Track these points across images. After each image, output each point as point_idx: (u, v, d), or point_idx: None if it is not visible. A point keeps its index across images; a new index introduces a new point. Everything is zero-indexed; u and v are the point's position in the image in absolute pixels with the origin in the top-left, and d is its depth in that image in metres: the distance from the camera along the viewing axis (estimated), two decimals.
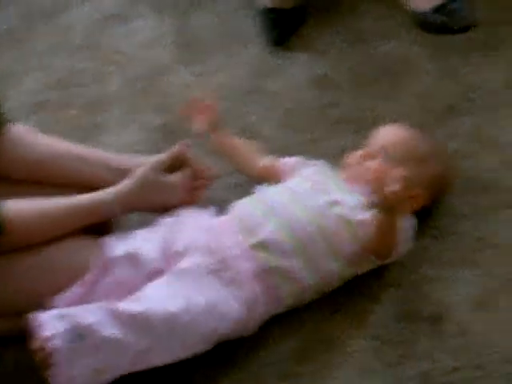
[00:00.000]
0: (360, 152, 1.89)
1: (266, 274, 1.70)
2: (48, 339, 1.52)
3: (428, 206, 1.89)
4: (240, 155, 1.99)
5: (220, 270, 1.68)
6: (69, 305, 1.66)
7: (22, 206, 1.70)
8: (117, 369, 1.59)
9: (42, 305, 1.66)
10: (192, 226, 1.77)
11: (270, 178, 1.94)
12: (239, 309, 1.66)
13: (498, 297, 1.76)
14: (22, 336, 1.65)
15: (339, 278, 1.76)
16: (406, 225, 1.79)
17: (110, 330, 1.56)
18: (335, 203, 1.76)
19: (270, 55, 2.36)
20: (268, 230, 1.71)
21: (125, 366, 1.60)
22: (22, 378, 1.69)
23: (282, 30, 2.40)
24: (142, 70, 2.35)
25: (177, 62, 2.37)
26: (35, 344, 1.53)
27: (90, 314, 1.58)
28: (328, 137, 2.12)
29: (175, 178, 1.82)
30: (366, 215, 1.74)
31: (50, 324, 1.55)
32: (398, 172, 1.75)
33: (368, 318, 1.75)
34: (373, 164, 1.85)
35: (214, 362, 1.67)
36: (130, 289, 1.68)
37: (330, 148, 2.06)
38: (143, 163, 1.82)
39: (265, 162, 1.96)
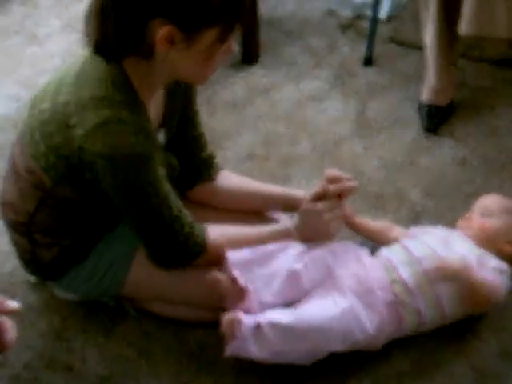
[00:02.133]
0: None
1: (397, 305, 1.62)
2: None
3: None
4: (377, 233, 1.82)
5: (364, 294, 1.61)
6: None
7: (222, 231, 1.66)
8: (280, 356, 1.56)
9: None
10: (353, 261, 1.69)
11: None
12: (371, 327, 1.58)
13: None
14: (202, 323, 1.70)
15: (453, 318, 1.67)
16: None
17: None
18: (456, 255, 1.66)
19: (424, 138, 2.25)
20: (407, 272, 1.64)
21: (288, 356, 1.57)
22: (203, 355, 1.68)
23: (436, 120, 2.28)
24: (326, 139, 2.27)
25: (353, 136, 2.27)
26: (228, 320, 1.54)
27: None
28: (461, 206, 1.95)
29: (323, 205, 1.67)
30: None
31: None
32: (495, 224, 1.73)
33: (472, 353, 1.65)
34: (474, 223, 1.75)
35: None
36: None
37: (461, 214, 1.87)
38: (305, 197, 1.72)
39: (397, 231, 1.81)
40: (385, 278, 1.65)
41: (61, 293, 1.75)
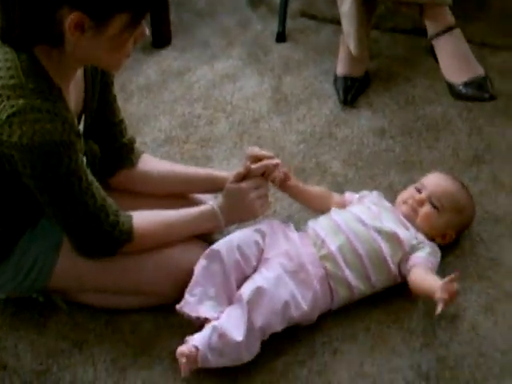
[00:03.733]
0: (412, 193, 1.88)
1: (328, 278, 1.73)
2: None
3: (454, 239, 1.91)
4: (314, 199, 1.96)
5: (296, 271, 1.71)
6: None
7: (147, 217, 1.72)
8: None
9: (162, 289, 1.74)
10: (282, 239, 1.79)
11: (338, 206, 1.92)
12: (305, 304, 1.68)
13: (500, 305, 1.77)
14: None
15: (381, 288, 1.79)
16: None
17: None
18: (385, 230, 1.78)
19: (341, 110, 2.36)
20: (334, 246, 1.75)
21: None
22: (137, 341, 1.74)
23: (353, 93, 2.40)
24: (244, 117, 2.36)
25: (270, 113, 2.37)
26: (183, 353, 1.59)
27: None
28: (382, 174, 2.13)
29: (247, 184, 1.79)
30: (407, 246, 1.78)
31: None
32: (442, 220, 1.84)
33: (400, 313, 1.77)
34: (423, 210, 1.85)
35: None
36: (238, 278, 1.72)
37: (383, 183, 2.09)
38: (228, 177, 1.82)
39: (336, 199, 1.95)
40: (314, 252, 1.75)
41: None
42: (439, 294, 1.62)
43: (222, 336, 1.60)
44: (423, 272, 1.74)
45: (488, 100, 2.36)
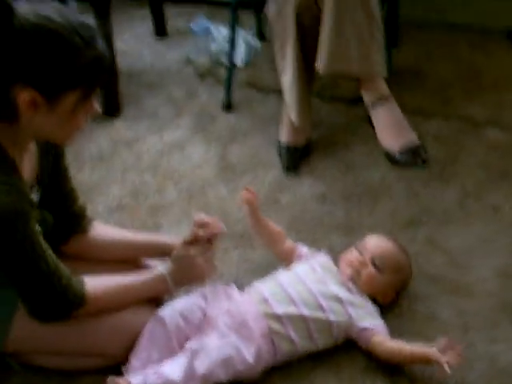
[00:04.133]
0: (354, 255, 2.00)
1: (271, 335, 1.82)
2: None
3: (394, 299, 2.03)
4: (271, 236, 2.11)
5: (239, 328, 1.81)
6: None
7: (100, 282, 1.81)
8: None
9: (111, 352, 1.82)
10: (224, 300, 1.89)
11: (288, 257, 2.07)
12: (250, 357, 1.77)
13: None
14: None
15: (324, 346, 1.89)
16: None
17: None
18: (329, 294, 1.89)
19: (285, 178, 2.51)
20: (279, 308, 1.85)
21: None
22: None
23: (294, 160, 2.54)
24: (191, 185, 2.49)
25: (217, 180, 2.50)
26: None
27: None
28: (323, 238, 2.24)
29: (194, 249, 1.90)
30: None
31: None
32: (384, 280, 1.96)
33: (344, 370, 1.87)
34: (366, 271, 1.96)
35: None
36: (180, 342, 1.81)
37: (324, 246, 2.15)
38: (177, 243, 1.94)
39: (288, 244, 2.10)
40: (257, 310, 1.85)
41: None
42: (443, 358, 1.73)
43: (160, 376, 1.69)
44: (394, 342, 1.85)
45: (421, 165, 2.51)
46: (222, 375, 1.76)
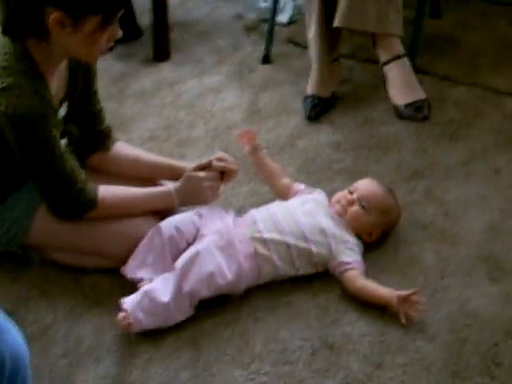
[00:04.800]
0: (344, 194, 2.15)
1: (256, 257, 2.01)
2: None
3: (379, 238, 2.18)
4: (270, 173, 2.30)
5: (224, 246, 2.00)
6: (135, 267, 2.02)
7: (112, 190, 2.05)
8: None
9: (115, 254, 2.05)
10: (217, 220, 2.09)
11: (284, 193, 2.25)
12: (230, 274, 1.96)
13: None
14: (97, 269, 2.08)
15: (304, 272, 2.06)
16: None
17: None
18: (314, 225, 2.06)
19: (305, 125, 2.70)
20: (266, 232, 2.03)
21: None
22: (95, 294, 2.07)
23: (317, 110, 2.72)
24: (219, 125, 2.71)
25: (243, 122, 2.71)
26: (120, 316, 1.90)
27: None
28: (328, 180, 2.41)
29: (204, 174, 2.11)
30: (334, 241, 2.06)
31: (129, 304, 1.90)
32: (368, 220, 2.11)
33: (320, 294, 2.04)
34: (352, 209, 2.12)
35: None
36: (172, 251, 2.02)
37: (328, 187, 2.33)
38: (189, 167, 2.16)
39: (284, 181, 2.28)
40: (246, 233, 2.04)
41: None
42: (397, 306, 1.92)
43: (151, 298, 1.90)
44: (365, 280, 2.01)
45: (421, 120, 2.67)
46: (206, 291, 1.94)
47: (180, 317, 1.94)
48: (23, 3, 1.78)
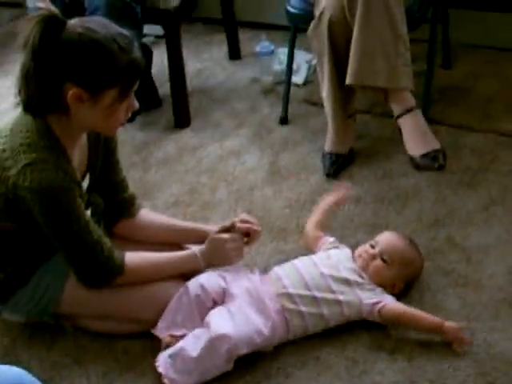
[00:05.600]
0: (366, 248, 2.18)
1: (284, 312, 2.04)
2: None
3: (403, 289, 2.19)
4: (319, 223, 2.36)
5: (256, 304, 2.03)
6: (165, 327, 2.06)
7: (139, 256, 2.09)
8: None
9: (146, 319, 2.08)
10: (244, 279, 2.12)
11: (313, 243, 2.31)
12: (266, 329, 1.99)
13: (435, 342, 2.04)
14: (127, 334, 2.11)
15: (335, 323, 2.09)
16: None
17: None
18: (340, 277, 2.10)
19: (325, 182, 2.74)
20: (291, 287, 2.07)
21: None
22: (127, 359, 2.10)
23: (336, 167, 2.76)
24: (242, 186, 2.75)
25: (265, 183, 2.76)
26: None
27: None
28: (352, 235, 2.44)
29: (228, 235, 2.15)
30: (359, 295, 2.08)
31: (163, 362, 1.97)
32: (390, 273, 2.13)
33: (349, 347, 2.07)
34: (374, 263, 2.15)
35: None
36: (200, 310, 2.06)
37: (352, 241, 2.36)
38: (214, 229, 2.20)
39: (318, 233, 2.33)
40: (272, 291, 2.08)
41: (9, 315, 2.19)
42: (459, 334, 2.01)
43: (182, 356, 1.95)
44: (411, 308, 2.07)
45: (438, 169, 2.71)
46: (244, 349, 1.97)
47: (216, 372, 1.97)
48: (43, 81, 1.86)
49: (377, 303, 2.07)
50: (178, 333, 2.02)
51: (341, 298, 2.08)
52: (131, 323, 2.12)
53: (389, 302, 2.08)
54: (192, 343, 1.97)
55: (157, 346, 2.09)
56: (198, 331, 2.00)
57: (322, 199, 2.45)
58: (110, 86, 1.87)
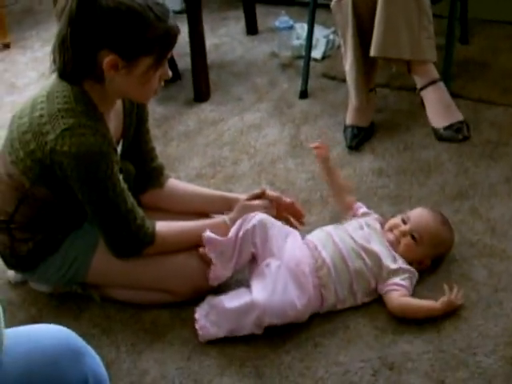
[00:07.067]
0: (398, 222, 2.13)
1: (321, 287, 2.01)
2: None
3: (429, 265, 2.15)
4: (338, 187, 2.30)
5: (299, 275, 1.99)
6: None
7: (168, 225, 2.05)
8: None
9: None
10: (289, 239, 2.08)
11: (346, 209, 2.27)
12: (300, 304, 1.95)
13: (464, 312, 2.01)
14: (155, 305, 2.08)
15: (361, 300, 2.06)
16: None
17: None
18: (370, 250, 2.05)
19: (347, 154, 2.69)
20: (328, 257, 2.03)
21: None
22: (155, 330, 2.05)
23: (358, 140, 2.72)
24: (264, 159, 2.70)
25: (287, 156, 2.71)
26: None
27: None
28: (375, 207, 2.36)
29: (259, 202, 2.13)
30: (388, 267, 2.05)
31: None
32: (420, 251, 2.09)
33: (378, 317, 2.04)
34: (404, 240, 2.10)
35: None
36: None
37: (377, 213, 2.27)
38: (242, 197, 2.17)
39: (350, 199, 2.28)
40: (312, 262, 2.03)
41: (36, 285, 2.15)
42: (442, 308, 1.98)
43: (218, 307, 1.96)
44: (409, 298, 2.02)
45: (462, 141, 2.66)
46: (275, 320, 1.95)
47: (244, 332, 1.97)
48: (79, 48, 1.81)
49: (394, 284, 2.03)
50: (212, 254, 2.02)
51: (369, 265, 2.04)
52: (159, 293, 2.08)
53: (403, 290, 2.03)
54: (231, 300, 1.97)
55: (183, 316, 2.06)
56: (242, 290, 2.00)
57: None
58: (146, 54, 1.82)
